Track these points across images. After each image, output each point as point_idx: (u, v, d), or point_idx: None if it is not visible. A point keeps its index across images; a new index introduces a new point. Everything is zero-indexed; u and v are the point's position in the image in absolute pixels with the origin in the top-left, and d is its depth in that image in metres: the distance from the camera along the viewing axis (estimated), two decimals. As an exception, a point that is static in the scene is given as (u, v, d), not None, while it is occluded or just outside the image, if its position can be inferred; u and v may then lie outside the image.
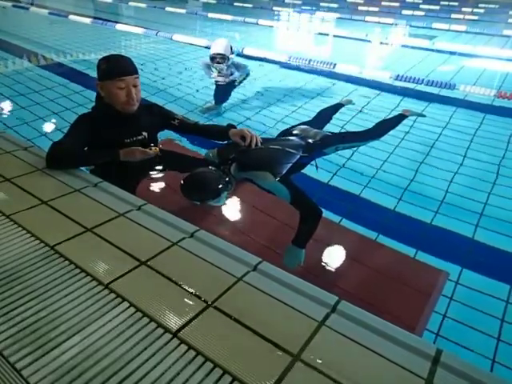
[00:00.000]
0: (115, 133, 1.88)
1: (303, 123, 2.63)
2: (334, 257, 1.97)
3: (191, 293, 1.14)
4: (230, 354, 0.96)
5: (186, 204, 1.91)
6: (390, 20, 10.09)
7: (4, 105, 3.86)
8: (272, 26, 9.34)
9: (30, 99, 4.00)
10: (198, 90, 4.49)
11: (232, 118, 3.91)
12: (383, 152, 3.28)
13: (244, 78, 4.13)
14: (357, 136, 2.78)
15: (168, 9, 10.61)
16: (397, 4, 13.09)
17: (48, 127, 3.48)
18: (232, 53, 3.99)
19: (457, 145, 3.51)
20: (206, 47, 4.05)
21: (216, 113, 3.83)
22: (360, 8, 12.02)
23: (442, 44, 7.36)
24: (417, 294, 1.75)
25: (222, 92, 4.00)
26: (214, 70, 3.97)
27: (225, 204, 2.07)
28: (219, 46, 3.79)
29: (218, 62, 3.81)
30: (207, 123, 3.29)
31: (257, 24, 8.93)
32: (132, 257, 1.27)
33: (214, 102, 3.98)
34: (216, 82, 4.01)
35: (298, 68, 5.56)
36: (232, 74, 3.95)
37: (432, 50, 6.98)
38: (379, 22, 9.77)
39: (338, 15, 10.78)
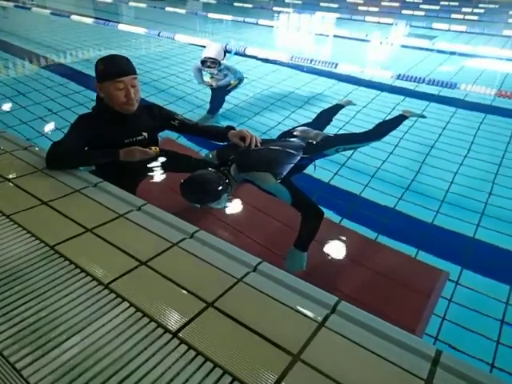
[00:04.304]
0: (115, 133, 1.88)
1: (303, 124, 2.63)
2: (333, 257, 1.97)
3: (191, 293, 1.14)
4: (229, 354, 0.96)
5: (186, 204, 1.91)
6: (389, 20, 10.09)
7: (4, 104, 3.87)
8: (272, 26, 9.34)
9: (30, 99, 4.00)
10: (198, 90, 4.49)
11: (232, 118, 3.91)
12: (383, 152, 3.28)
13: (237, 84, 4.08)
14: (357, 137, 2.78)
15: (168, 9, 10.61)
16: (397, 4, 13.09)
17: (48, 127, 3.48)
18: (227, 53, 3.96)
19: (457, 144, 3.51)
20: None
21: (213, 121, 3.80)
22: (360, 8, 12.01)
23: (442, 44, 7.36)
24: (417, 294, 1.75)
25: (216, 98, 3.96)
26: (205, 74, 3.94)
27: (225, 206, 2.06)
28: (211, 50, 3.76)
29: (209, 66, 3.76)
30: (207, 124, 3.28)
31: (257, 24, 8.92)
32: (132, 257, 1.27)
33: (207, 111, 3.91)
34: (209, 86, 3.96)
35: (298, 68, 5.55)
36: (226, 77, 3.90)
37: (432, 50, 6.99)
38: (379, 22, 9.77)
39: (338, 15, 10.77)
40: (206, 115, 3.86)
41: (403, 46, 7.58)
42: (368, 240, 2.15)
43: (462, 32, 8.71)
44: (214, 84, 3.89)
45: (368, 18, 10.02)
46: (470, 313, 1.85)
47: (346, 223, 2.36)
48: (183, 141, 3.10)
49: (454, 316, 1.82)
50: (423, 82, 4.81)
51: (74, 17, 8.41)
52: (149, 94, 4.29)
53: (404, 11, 11.45)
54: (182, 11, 10.62)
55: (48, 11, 9.30)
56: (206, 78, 3.96)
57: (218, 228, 2.05)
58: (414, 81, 4.84)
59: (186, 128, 2.13)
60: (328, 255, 1.96)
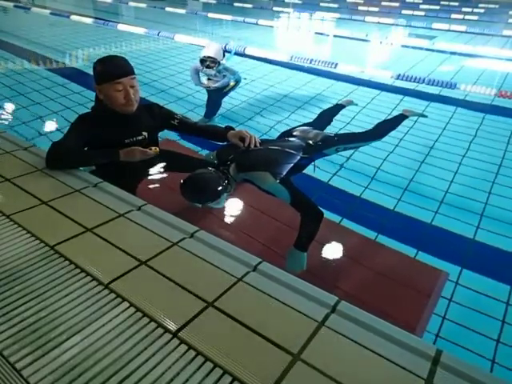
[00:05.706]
0: (115, 133, 1.88)
1: (304, 124, 2.63)
2: (333, 257, 1.97)
3: (191, 293, 1.14)
4: (229, 354, 0.96)
5: (186, 204, 1.91)
6: (389, 20, 10.11)
7: (4, 105, 3.87)
8: (272, 26, 9.35)
9: (30, 99, 4.00)
10: (197, 91, 4.49)
11: (231, 118, 3.91)
12: (383, 152, 3.28)
13: (234, 86, 4.04)
14: (357, 137, 2.78)
15: (168, 9, 10.61)
16: (397, 4, 13.11)
17: (48, 127, 3.48)
18: (226, 52, 3.93)
19: (457, 144, 3.51)
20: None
21: (212, 123, 3.76)
22: (360, 8, 12.03)
23: (442, 44, 7.37)
24: (417, 294, 1.75)
25: (212, 100, 3.91)
26: (202, 75, 3.87)
27: (225, 206, 2.06)
28: (211, 50, 3.70)
29: (208, 66, 3.71)
30: (207, 124, 3.28)
31: (257, 24, 8.93)
32: (132, 257, 1.27)
33: (204, 115, 3.86)
34: (206, 87, 3.92)
35: (298, 68, 5.55)
36: (224, 78, 3.85)
37: (432, 50, 6.99)
38: (379, 22, 9.78)
39: (338, 15, 10.79)
40: (203, 119, 3.82)
41: (403, 46, 7.58)
42: (368, 240, 2.15)
43: (461, 32, 8.72)
44: (211, 86, 3.85)
45: (368, 18, 10.03)
46: (470, 312, 1.85)
47: (346, 223, 2.36)
48: (183, 141, 3.10)
49: (455, 315, 1.82)
50: (423, 82, 4.81)
51: (73, 17, 8.41)
52: (149, 94, 4.30)
53: (404, 11, 11.46)
54: (182, 11, 10.62)
55: (48, 11, 9.30)
56: (204, 80, 3.93)
57: (217, 228, 2.05)
58: (414, 81, 4.84)
59: (186, 127, 2.13)
60: (328, 255, 1.96)
